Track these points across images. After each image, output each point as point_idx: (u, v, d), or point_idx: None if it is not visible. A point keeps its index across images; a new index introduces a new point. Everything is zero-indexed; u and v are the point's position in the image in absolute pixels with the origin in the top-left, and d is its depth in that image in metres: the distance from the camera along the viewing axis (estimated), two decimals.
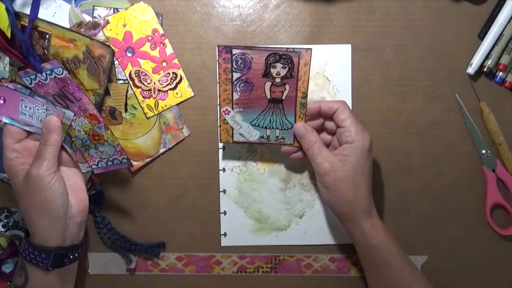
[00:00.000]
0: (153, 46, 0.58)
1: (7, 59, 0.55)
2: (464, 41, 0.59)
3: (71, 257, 0.51)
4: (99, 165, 0.54)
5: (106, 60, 0.54)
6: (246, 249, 0.61)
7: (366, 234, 0.51)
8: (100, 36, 0.56)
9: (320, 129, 0.55)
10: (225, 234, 0.60)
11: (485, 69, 0.58)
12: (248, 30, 0.59)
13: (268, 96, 0.52)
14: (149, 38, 0.58)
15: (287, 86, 0.52)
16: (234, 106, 0.53)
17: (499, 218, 0.60)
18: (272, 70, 0.51)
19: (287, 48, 0.50)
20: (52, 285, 0.50)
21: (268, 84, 0.52)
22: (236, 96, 0.52)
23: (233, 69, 0.51)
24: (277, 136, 0.54)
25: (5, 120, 0.49)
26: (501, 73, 0.59)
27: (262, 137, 0.54)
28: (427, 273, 0.60)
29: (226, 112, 0.53)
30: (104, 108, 0.56)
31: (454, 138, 0.60)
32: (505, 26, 0.57)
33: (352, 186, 0.50)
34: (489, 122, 0.59)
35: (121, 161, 0.53)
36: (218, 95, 0.52)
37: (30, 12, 0.49)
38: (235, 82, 0.52)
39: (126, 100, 0.57)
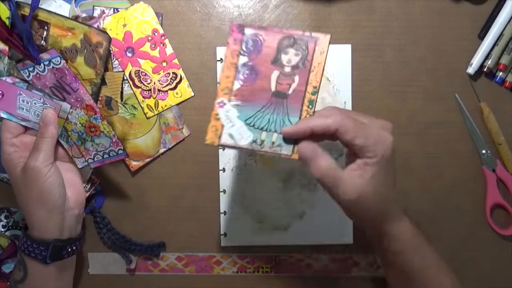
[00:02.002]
0: (153, 46, 0.58)
1: (6, 59, 0.55)
2: (464, 41, 0.59)
3: (69, 250, 0.51)
4: (95, 159, 0.54)
5: (103, 47, 0.53)
6: (246, 249, 0.61)
7: (392, 239, 0.47)
8: None
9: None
10: (225, 234, 0.60)
11: (485, 69, 0.58)
12: None
13: (273, 88, 0.46)
14: (149, 38, 0.58)
15: (296, 78, 0.46)
16: (232, 97, 0.46)
17: (499, 218, 0.60)
18: (283, 56, 0.46)
19: (304, 32, 0.45)
20: (51, 279, 0.51)
21: (275, 74, 0.46)
22: (237, 85, 0.46)
23: (242, 51, 0.46)
24: (273, 142, 0.46)
25: (2, 115, 0.50)
26: (501, 73, 0.59)
27: (255, 141, 0.46)
28: None
29: (221, 104, 0.47)
30: (100, 98, 0.56)
31: (454, 138, 0.60)
32: (505, 26, 0.57)
33: (381, 204, 0.45)
34: (489, 122, 0.59)
35: (117, 152, 0.53)
36: (217, 82, 0.48)
37: (32, 0, 0.50)
38: (239, 68, 0.46)
39: (122, 89, 0.57)
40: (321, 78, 0.46)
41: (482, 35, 0.59)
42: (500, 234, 0.60)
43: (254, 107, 0.47)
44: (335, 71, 0.59)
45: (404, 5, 0.59)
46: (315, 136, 0.44)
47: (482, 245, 0.61)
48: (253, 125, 0.46)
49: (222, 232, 0.60)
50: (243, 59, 0.47)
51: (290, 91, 0.46)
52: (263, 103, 0.47)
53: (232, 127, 0.47)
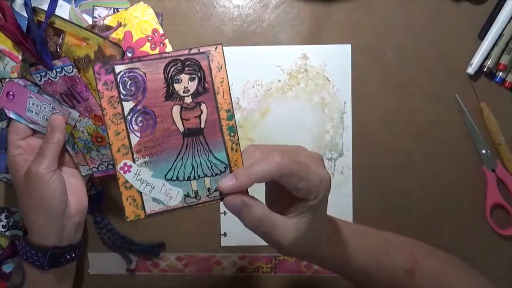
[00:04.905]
0: (153, 46, 0.58)
1: (7, 59, 0.55)
2: (464, 41, 0.59)
3: (68, 257, 0.51)
4: (100, 168, 0.54)
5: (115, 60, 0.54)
6: (246, 249, 0.61)
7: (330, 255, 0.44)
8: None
9: None
10: (225, 234, 0.60)
11: (485, 69, 0.58)
12: (248, 30, 0.59)
13: (181, 128, 0.38)
14: (149, 38, 0.58)
15: (203, 107, 0.38)
16: (135, 156, 0.38)
17: (499, 218, 0.60)
18: (176, 86, 0.37)
19: (190, 50, 0.37)
20: (48, 285, 0.50)
21: (176, 109, 0.38)
22: (135, 139, 0.37)
23: (122, 96, 0.37)
24: (209, 188, 0.39)
25: (12, 115, 0.50)
26: (501, 73, 0.59)
27: (188, 195, 0.39)
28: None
29: (126, 169, 0.38)
30: None
31: (454, 138, 0.60)
32: (505, 26, 0.57)
33: (314, 238, 0.42)
34: (489, 122, 0.59)
35: None
36: (108, 143, 0.38)
37: (48, 7, 0.50)
38: (129, 118, 0.37)
39: None
40: (230, 96, 0.38)
41: (482, 35, 0.59)
42: (500, 234, 0.60)
43: (168, 157, 0.38)
44: (335, 71, 0.59)
45: (404, 5, 0.59)
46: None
47: (482, 245, 0.61)
48: (177, 178, 0.39)
49: (222, 232, 0.60)
50: (128, 105, 0.37)
51: (202, 125, 0.38)
52: (177, 149, 0.38)
53: (153, 190, 0.38)
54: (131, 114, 0.37)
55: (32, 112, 0.50)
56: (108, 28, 0.56)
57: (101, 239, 0.60)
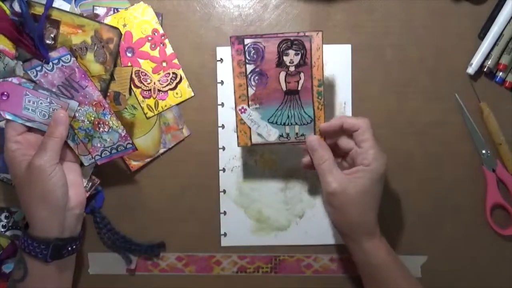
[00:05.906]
0: (153, 46, 0.58)
1: (7, 59, 0.55)
2: (464, 41, 0.59)
3: (69, 249, 0.51)
4: (103, 155, 0.54)
5: (113, 43, 0.53)
6: (246, 249, 0.61)
7: (366, 253, 0.50)
8: None
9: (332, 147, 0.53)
10: (225, 234, 0.60)
11: (485, 69, 0.58)
12: (248, 30, 0.59)
13: (284, 88, 0.51)
14: (149, 38, 0.58)
15: (302, 75, 0.51)
16: (250, 102, 0.52)
17: (499, 218, 0.60)
18: (285, 58, 0.50)
19: (298, 33, 0.50)
20: (50, 278, 0.51)
21: (282, 74, 0.51)
22: (251, 91, 0.51)
23: (247, 61, 0.51)
24: (297, 133, 0.53)
25: (7, 116, 0.50)
26: (501, 73, 0.59)
27: (282, 135, 0.53)
28: (426, 274, 0.60)
29: (242, 110, 0.52)
30: (108, 93, 0.56)
31: (454, 138, 0.60)
32: (505, 26, 0.57)
33: (360, 210, 0.49)
34: (489, 122, 0.59)
35: (125, 146, 0.53)
36: (233, 91, 0.51)
37: (47, 0, 0.50)
38: (249, 75, 0.51)
39: (130, 83, 0.57)
40: (323, 71, 0.51)
41: (482, 35, 0.59)
42: (500, 234, 0.60)
43: (272, 107, 0.52)
44: (335, 71, 0.59)
45: (404, 5, 0.59)
46: (335, 133, 0.52)
47: (482, 245, 0.61)
48: (276, 122, 0.52)
49: (222, 232, 0.60)
50: (250, 67, 0.51)
51: (299, 88, 0.51)
52: (279, 102, 0.52)
53: (259, 128, 0.52)
54: (251, 73, 0.51)
55: (29, 109, 0.50)
56: (96, 15, 0.56)
57: (101, 239, 0.60)
